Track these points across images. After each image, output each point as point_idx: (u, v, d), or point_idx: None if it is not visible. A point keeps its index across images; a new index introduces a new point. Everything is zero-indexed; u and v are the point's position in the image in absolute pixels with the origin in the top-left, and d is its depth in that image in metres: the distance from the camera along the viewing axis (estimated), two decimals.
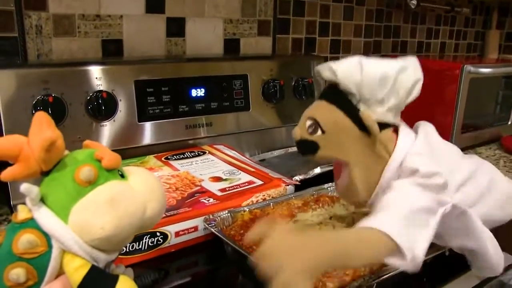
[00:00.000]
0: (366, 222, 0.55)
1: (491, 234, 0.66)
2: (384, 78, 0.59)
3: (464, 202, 0.63)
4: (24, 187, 0.44)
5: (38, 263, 0.45)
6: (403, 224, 0.54)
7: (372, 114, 0.60)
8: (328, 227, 0.73)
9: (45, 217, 0.45)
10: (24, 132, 0.47)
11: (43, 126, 0.45)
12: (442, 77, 1.38)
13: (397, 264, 0.54)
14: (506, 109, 1.63)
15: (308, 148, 0.64)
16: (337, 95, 0.62)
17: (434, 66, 1.46)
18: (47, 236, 0.45)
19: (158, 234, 0.71)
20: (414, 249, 0.54)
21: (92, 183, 0.46)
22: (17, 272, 0.44)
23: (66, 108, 0.88)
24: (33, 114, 0.84)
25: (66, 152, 0.49)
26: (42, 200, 0.46)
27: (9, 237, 0.45)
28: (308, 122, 0.64)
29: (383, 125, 0.61)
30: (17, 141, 0.45)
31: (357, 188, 0.64)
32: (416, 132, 0.67)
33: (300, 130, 0.65)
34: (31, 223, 0.45)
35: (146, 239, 0.69)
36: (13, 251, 0.44)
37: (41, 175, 0.47)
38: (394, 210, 0.56)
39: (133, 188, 0.49)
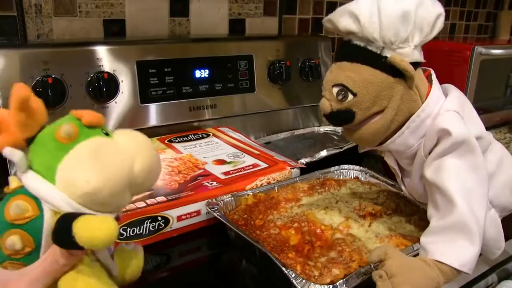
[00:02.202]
0: (442, 255, 0.55)
1: (495, 216, 0.64)
2: (406, 14, 0.56)
3: None
4: (6, 150, 0.44)
5: (32, 228, 0.45)
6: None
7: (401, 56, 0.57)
8: (334, 212, 0.71)
9: (32, 181, 0.45)
10: None
11: (17, 91, 0.44)
12: (452, 59, 1.35)
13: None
14: None
15: (343, 118, 0.61)
16: (357, 51, 0.59)
17: (444, 47, 1.42)
18: (37, 200, 0.45)
19: (159, 218, 0.69)
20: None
21: (73, 140, 0.46)
22: (12, 239, 0.44)
23: (66, 89, 0.86)
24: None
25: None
26: (30, 167, 0.46)
27: (1, 206, 0.46)
28: (336, 89, 0.60)
29: (415, 64, 0.58)
30: None
31: (379, 133, 0.61)
32: (444, 93, 0.64)
33: (329, 101, 0.61)
34: (21, 190, 0.46)
35: (147, 223, 0.68)
36: (5, 219, 0.45)
37: (27, 144, 0.47)
38: (461, 235, 0.55)
39: (118, 143, 0.48)
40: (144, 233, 0.68)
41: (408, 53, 0.58)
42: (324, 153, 0.99)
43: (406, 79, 0.58)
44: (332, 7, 1.44)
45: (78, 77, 0.88)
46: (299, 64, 1.19)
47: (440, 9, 0.58)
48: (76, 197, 0.44)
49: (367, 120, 0.60)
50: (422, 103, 0.60)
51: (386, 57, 0.57)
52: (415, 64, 0.59)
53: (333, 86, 0.60)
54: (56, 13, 0.99)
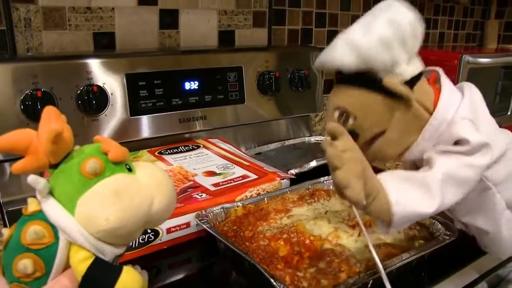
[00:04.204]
0: (393, 184, 0.56)
1: (510, 217, 0.64)
2: (382, 37, 0.55)
3: (491, 179, 0.61)
4: (32, 178, 0.45)
5: (45, 254, 0.46)
6: (412, 206, 0.56)
7: (395, 78, 0.57)
8: (323, 222, 0.72)
9: (52, 209, 0.46)
10: (11, 129, 0.47)
11: (51, 119, 0.46)
12: (441, 67, 1.36)
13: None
14: (505, 100, 1.61)
15: None
16: (353, 75, 0.58)
17: (432, 56, 1.44)
18: (54, 228, 0.46)
19: (149, 231, 0.69)
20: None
21: (98, 176, 0.47)
22: (25, 263, 0.45)
23: (56, 102, 0.86)
24: (21, 109, 0.83)
25: (77, 147, 0.50)
26: (51, 193, 0.47)
27: (18, 228, 0.46)
28: (337, 113, 0.60)
29: (414, 79, 0.58)
30: (26, 135, 0.46)
31: (389, 150, 0.61)
32: (460, 91, 0.63)
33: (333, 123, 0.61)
34: (39, 215, 0.46)
35: None
36: (21, 242, 0.45)
37: (50, 168, 0.48)
38: (420, 188, 0.56)
39: (139, 182, 0.49)
40: (133, 245, 0.68)
41: (403, 71, 0.57)
42: (313, 163, 1.00)
43: (403, 100, 0.58)
44: (321, 18, 1.47)
45: (67, 90, 0.88)
46: (289, 75, 1.19)
47: (411, 14, 0.57)
48: (94, 232, 0.46)
49: (374, 140, 0.61)
50: (432, 113, 0.59)
51: (380, 80, 0.57)
52: (415, 77, 0.58)
53: (334, 110, 0.61)
54: (46, 27, 0.99)
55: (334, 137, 0.55)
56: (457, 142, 0.58)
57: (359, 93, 0.58)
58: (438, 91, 0.61)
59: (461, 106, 0.60)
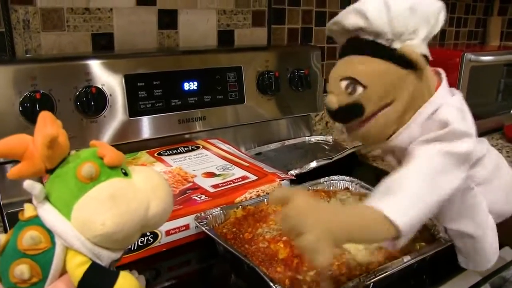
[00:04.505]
0: (376, 201, 0.52)
1: (493, 223, 0.64)
2: (413, 6, 0.56)
3: (472, 179, 0.61)
4: (27, 183, 0.45)
5: (42, 260, 0.46)
6: (412, 210, 0.52)
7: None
8: None
9: (48, 214, 0.46)
10: (11, 131, 0.48)
11: (46, 124, 0.46)
12: (442, 66, 1.34)
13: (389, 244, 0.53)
14: (508, 98, 1.60)
15: (352, 112, 0.59)
16: (365, 44, 0.58)
17: (433, 54, 1.42)
18: (50, 233, 0.46)
19: (148, 233, 0.69)
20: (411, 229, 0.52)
21: (94, 180, 0.47)
22: (21, 268, 0.45)
23: (54, 104, 0.86)
24: (20, 111, 0.82)
25: (73, 152, 0.50)
26: (47, 198, 0.47)
27: (15, 234, 0.47)
28: (344, 83, 0.58)
29: (425, 58, 0.58)
30: (22, 140, 0.46)
31: (389, 126, 0.59)
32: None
33: (337, 96, 0.59)
34: (35, 220, 0.46)
35: None
36: (18, 247, 0.45)
37: (47, 173, 0.48)
38: (407, 190, 0.53)
39: (135, 186, 0.49)
40: (132, 248, 0.68)
41: (417, 45, 0.57)
42: (314, 164, 0.99)
43: (416, 70, 0.57)
44: (321, 17, 1.46)
45: (66, 92, 0.88)
46: (289, 75, 1.19)
47: (440, 3, 0.58)
48: (90, 237, 0.46)
49: (375, 114, 0.59)
50: (430, 98, 0.59)
51: (395, 49, 0.57)
52: (426, 58, 0.58)
53: (341, 79, 0.59)
54: (44, 28, 0.98)
55: (285, 203, 0.50)
56: (440, 127, 0.57)
57: (371, 61, 0.57)
58: (439, 83, 0.61)
59: (453, 98, 0.61)
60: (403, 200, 0.52)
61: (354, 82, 0.58)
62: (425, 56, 0.59)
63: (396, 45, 0.57)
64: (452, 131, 0.55)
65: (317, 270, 0.60)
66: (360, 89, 0.57)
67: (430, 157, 0.55)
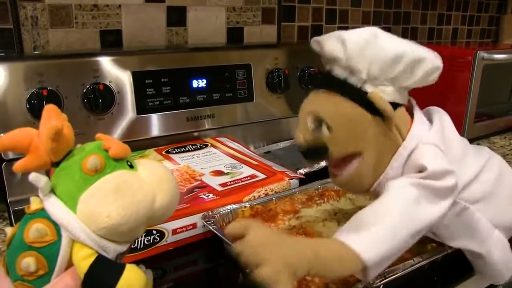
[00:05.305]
0: (344, 235, 0.50)
1: (500, 237, 0.61)
2: (401, 56, 0.53)
3: (466, 199, 0.58)
4: (33, 176, 0.45)
5: (48, 252, 0.45)
6: (382, 245, 0.50)
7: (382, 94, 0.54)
8: (332, 224, 0.70)
9: (54, 207, 0.46)
10: (18, 127, 0.47)
11: (51, 117, 0.46)
12: (454, 64, 1.33)
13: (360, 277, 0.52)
14: None
15: (316, 153, 0.58)
16: (336, 81, 0.55)
17: (445, 53, 1.40)
18: (56, 226, 0.45)
19: (154, 232, 0.68)
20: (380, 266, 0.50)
21: (99, 172, 0.46)
22: (28, 261, 0.44)
23: (61, 101, 0.85)
24: (27, 108, 0.82)
25: (78, 145, 0.49)
26: (53, 191, 0.47)
27: (21, 227, 0.46)
28: (310, 120, 0.56)
29: (393, 105, 0.55)
30: (27, 133, 0.46)
31: (364, 177, 0.57)
32: (428, 118, 0.61)
33: (303, 133, 0.57)
34: (41, 213, 0.46)
35: (142, 237, 0.66)
36: (24, 240, 0.45)
37: (52, 166, 0.48)
38: (377, 224, 0.50)
39: (141, 178, 0.48)
40: (139, 246, 0.67)
41: (389, 93, 0.55)
42: (323, 163, 0.98)
43: (384, 119, 0.55)
44: (332, 14, 1.44)
45: (73, 89, 0.87)
46: (298, 72, 1.17)
47: (439, 63, 0.56)
48: (96, 229, 0.45)
49: (346, 163, 0.58)
50: (403, 142, 0.57)
51: (366, 93, 0.54)
52: (395, 105, 0.56)
53: (308, 116, 0.57)
54: (52, 25, 0.98)
55: (240, 236, 0.49)
56: (417, 171, 0.55)
57: (339, 101, 0.55)
58: (411, 122, 0.59)
59: (427, 134, 0.58)
60: (373, 234, 0.50)
61: (320, 121, 0.55)
62: (397, 104, 0.56)
63: (368, 89, 0.54)
64: (431, 173, 0.53)
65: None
66: (325, 130, 0.55)
67: (405, 188, 0.53)
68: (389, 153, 0.57)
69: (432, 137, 0.58)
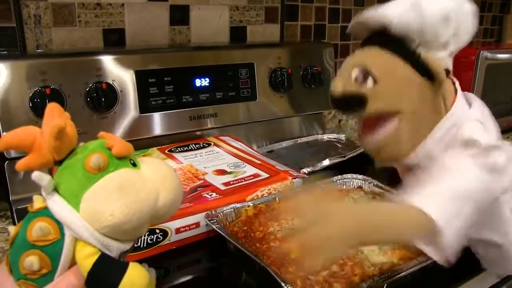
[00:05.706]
0: (409, 196, 0.48)
1: None
2: (448, 16, 0.52)
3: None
4: (36, 174, 0.45)
5: (51, 251, 0.45)
6: (451, 209, 0.48)
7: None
8: None
9: (57, 205, 0.46)
10: (21, 126, 0.47)
11: (54, 116, 0.46)
12: (457, 64, 1.31)
13: (430, 253, 0.50)
14: None
15: (354, 103, 0.55)
16: (391, 39, 0.54)
17: None
18: (59, 224, 0.46)
19: (157, 231, 0.68)
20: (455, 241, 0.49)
21: (102, 171, 0.46)
22: (31, 260, 0.45)
23: (64, 100, 0.85)
24: (30, 107, 0.82)
25: (81, 144, 0.49)
26: (56, 189, 0.47)
27: (24, 225, 0.46)
28: (356, 71, 0.55)
29: (447, 72, 0.55)
30: (30, 131, 0.46)
31: (402, 141, 0.56)
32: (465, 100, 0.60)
33: (343, 82, 0.56)
34: (45, 212, 0.46)
35: (145, 236, 0.66)
36: (27, 239, 0.45)
37: (55, 165, 0.48)
38: (443, 188, 0.49)
39: (144, 176, 0.49)
40: (142, 246, 0.67)
41: (443, 58, 0.55)
42: (326, 162, 0.98)
43: (434, 83, 0.54)
44: (335, 13, 1.44)
45: (76, 88, 0.87)
46: (302, 72, 1.17)
47: (474, 7, 0.56)
48: (99, 228, 0.45)
49: (381, 123, 0.56)
50: (447, 113, 0.56)
51: (419, 54, 0.54)
52: (447, 71, 0.56)
53: (355, 67, 0.56)
54: (55, 23, 0.98)
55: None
56: (465, 145, 0.54)
57: (390, 58, 0.54)
58: (455, 96, 0.58)
59: (471, 110, 0.58)
60: (439, 195, 0.49)
61: (366, 73, 0.54)
62: (447, 70, 0.56)
63: (421, 51, 0.54)
64: (483, 148, 0.52)
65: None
66: (370, 82, 0.54)
67: (466, 170, 0.52)
68: (429, 122, 0.56)
69: (476, 114, 0.57)
